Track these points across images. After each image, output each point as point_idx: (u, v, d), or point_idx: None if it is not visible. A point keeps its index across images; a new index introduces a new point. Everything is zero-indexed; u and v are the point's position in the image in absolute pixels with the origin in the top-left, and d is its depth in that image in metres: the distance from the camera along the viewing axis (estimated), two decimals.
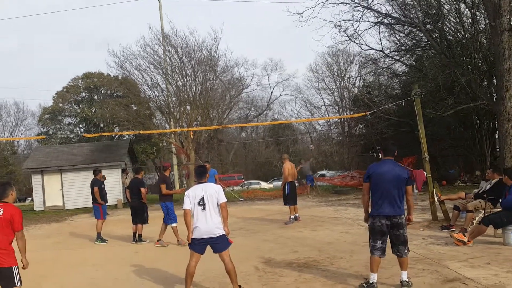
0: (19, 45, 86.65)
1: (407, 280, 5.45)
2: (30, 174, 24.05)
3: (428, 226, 9.79)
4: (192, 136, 20.77)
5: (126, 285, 6.62)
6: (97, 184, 10.79)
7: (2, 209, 4.92)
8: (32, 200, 27.94)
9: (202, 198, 5.60)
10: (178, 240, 9.54)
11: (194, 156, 20.59)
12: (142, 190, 10.21)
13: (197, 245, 5.61)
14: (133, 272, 7.34)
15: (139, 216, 10.25)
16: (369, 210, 5.65)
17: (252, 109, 44.73)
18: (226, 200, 5.73)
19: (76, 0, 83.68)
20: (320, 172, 33.62)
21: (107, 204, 11.14)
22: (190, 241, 5.66)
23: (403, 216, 5.47)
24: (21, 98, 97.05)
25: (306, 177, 20.33)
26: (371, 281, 5.46)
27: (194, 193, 5.68)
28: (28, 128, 51.79)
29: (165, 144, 36.90)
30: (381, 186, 5.43)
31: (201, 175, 5.86)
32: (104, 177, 11.53)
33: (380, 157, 5.75)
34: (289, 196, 11.89)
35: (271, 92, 44.85)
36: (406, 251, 5.48)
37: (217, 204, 5.62)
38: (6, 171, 44.05)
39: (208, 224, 5.55)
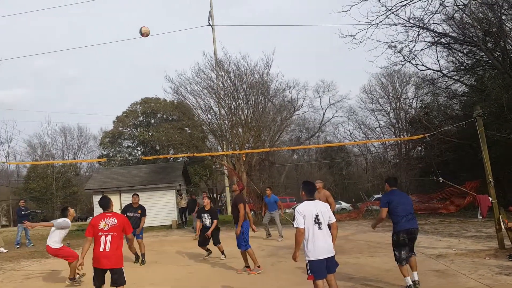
0: (81, 73, 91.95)
1: (418, 279, 6.48)
2: (91, 194, 25.13)
3: (494, 255, 9.19)
4: (244, 159, 20.86)
5: None
6: (123, 212, 10.74)
7: (115, 218, 5.76)
8: None
9: (317, 216, 5.24)
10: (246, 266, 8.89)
11: (246, 178, 20.63)
12: None
13: (319, 267, 5.17)
14: None
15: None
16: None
17: (304, 131, 44.48)
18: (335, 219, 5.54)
19: (135, 29, 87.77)
20: (376, 196, 32.72)
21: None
22: (297, 259, 5.30)
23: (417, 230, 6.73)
24: (84, 123, 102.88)
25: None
26: (408, 284, 6.35)
27: (307, 210, 5.27)
28: (90, 151, 54.47)
29: (217, 166, 37.39)
30: (402, 208, 6.62)
31: (311, 192, 5.52)
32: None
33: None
34: None
35: (323, 114, 44.36)
36: (414, 251, 6.75)
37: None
38: (70, 192, 46.32)
39: (327, 242, 5.24)
